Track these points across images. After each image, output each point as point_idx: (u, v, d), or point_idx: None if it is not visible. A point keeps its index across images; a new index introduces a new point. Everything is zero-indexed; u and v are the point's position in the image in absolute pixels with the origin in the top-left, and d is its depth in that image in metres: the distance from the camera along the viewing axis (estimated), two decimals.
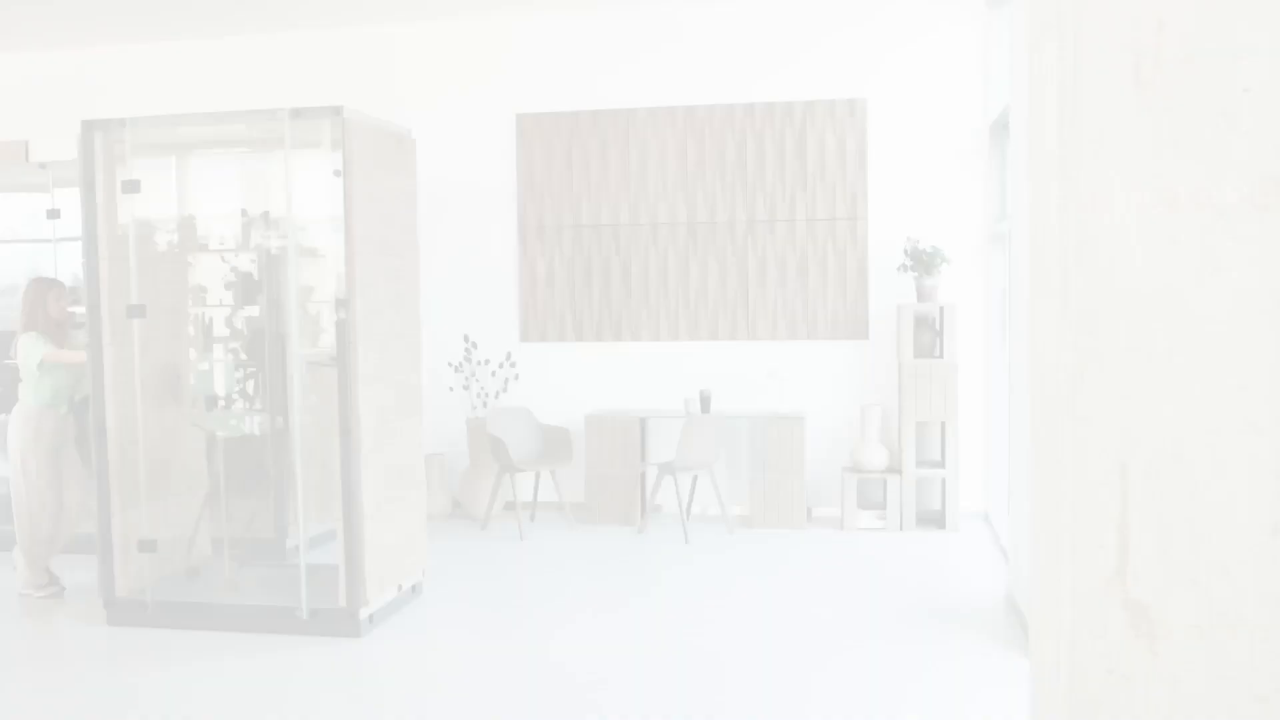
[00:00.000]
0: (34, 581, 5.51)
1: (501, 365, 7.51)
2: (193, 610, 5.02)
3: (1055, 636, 2.09)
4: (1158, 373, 2.02)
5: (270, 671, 4.44)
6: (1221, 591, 2.02)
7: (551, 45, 7.41)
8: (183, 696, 4.20)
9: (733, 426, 7.22)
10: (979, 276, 6.94)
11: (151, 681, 4.35)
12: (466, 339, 7.55)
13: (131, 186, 4.98)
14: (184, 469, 5.45)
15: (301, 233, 4.99)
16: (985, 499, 6.98)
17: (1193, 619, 2.03)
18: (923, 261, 6.62)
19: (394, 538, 5.05)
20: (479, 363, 7.58)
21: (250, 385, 6.21)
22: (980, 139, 6.92)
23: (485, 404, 7.44)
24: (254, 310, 5.91)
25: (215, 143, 5.73)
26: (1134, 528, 2.04)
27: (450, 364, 7.59)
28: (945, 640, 4.71)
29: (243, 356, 5.81)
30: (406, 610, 5.22)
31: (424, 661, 4.58)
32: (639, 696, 4.14)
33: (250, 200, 5.87)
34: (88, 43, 7.96)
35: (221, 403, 5.79)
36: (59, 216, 6.60)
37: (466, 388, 7.52)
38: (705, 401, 6.94)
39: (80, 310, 6.68)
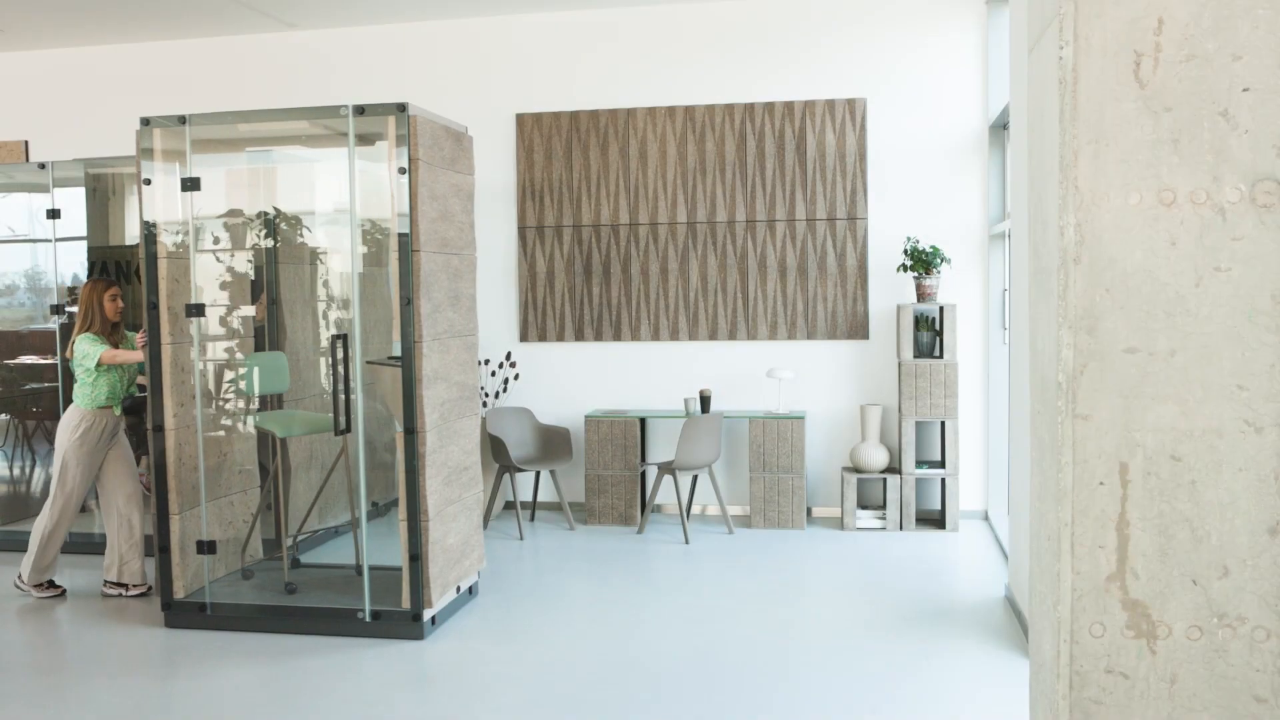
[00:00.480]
0: (37, 579, 5.51)
1: (501, 365, 7.51)
2: (252, 613, 4.96)
3: (1055, 636, 2.09)
4: (1158, 373, 2.02)
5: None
6: (1221, 591, 2.02)
7: (551, 45, 7.41)
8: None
9: (733, 426, 7.22)
10: (979, 276, 6.95)
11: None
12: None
13: (191, 184, 4.92)
14: (236, 469, 5.40)
15: (360, 230, 4.94)
16: (985, 499, 6.99)
17: (1193, 619, 2.03)
18: (923, 261, 6.62)
19: (454, 539, 4.99)
20: (479, 362, 7.59)
21: (314, 385, 6.17)
22: (980, 139, 6.92)
23: (485, 404, 7.44)
24: (319, 309, 5.85)
25: (270, 139, 5.66)
26: (1134, 528, 2.04)
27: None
28: (945, 640, 4.71)
29: (312, 357, 5.78)
30: (464, 612, 5.16)
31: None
32: (641, 697, 4.15)
33: (303, 197, 5.82)
34: (89, 42, 7.96)
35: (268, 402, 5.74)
36: (59, 216, 6.60)
37: None
38: (705, 401, 6.94)
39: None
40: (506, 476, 7.30)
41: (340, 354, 4.79)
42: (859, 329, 7.06)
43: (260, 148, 5.88)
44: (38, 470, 7.29)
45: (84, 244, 7.03)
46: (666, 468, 6.57)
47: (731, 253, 7.19)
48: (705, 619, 5.08)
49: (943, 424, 6.80)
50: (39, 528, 5.48)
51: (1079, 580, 2.04)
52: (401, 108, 4.58)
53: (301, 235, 5.57)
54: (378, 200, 4.85)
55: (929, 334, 6.71)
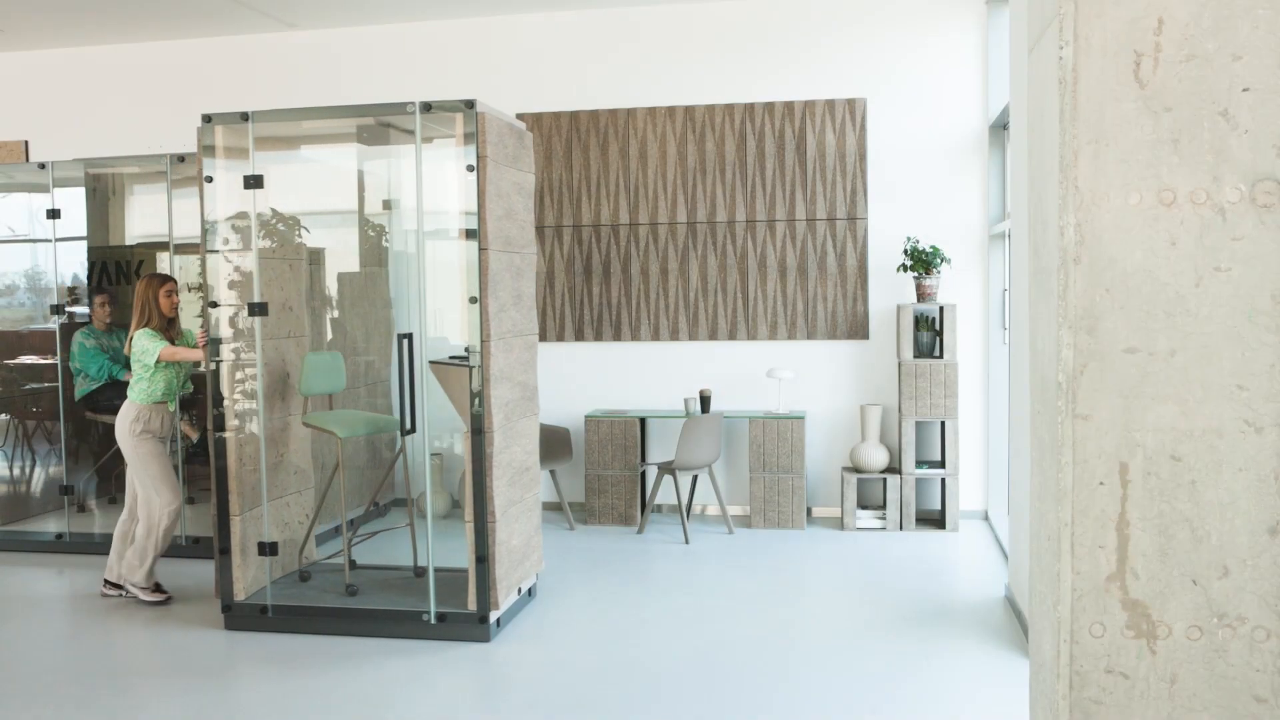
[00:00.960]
0: (146, 584, 5.40)
1: None
2: (314, 615, 4.89)
3: (1055, 636, 2.09)
4: (1158, 373, 2.02)
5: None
6: (1221, 591, 2.02)
7: (552, 45, 7.41)
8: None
9: (732, 426, 7.22)
10: (979, 276, 6.95)
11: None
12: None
13: (254, 182, 4.86)
14: (293, 470, 5.35)
15: (428, 228, 4.90)
16: (985, 499, 6.99)
17: (1193, 619, 2.03)
18: (923, 261, 6.62)
19: (518, 540, 4.93)
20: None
21: (375, 386, 6.14)
22: (980, 139, 6.92)
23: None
24: (377, 308, 5.81)
25: (329, 136, 5.62)
26: (1134, 528, 2.04)
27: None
28: (945, 640, 4.71)
29: (370, 357, 5.74)
30: (525, 613, 5.12)
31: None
32: (641, 697, 4.15)
33: (365, 195, 5.78)
34: (89, 42, 7.96)
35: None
36: (59, 216, 6.60)
37: None
38: (705, 401, 6.94)
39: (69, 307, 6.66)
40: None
41: (406, 354, 4.70)
42: (859, 329, 7.06)
43: (309, 146, 5.81)
44: (38, 470, 7.30)
45: (84, 244, 7.03)
46: (666, 468, 6.57)
47: (731, 253, 7.19)
48: (704, 619, 5.07)
49: (943, 424, 6.80)
50: (149, 534, 5.36)
51: (1079, 580, 2.04)
52: (470, 104, 4.51)
53: (300, 235, 5.56)
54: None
55: (929, 334, 6.71)
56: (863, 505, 6.99)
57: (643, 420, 7.10)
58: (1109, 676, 2.04)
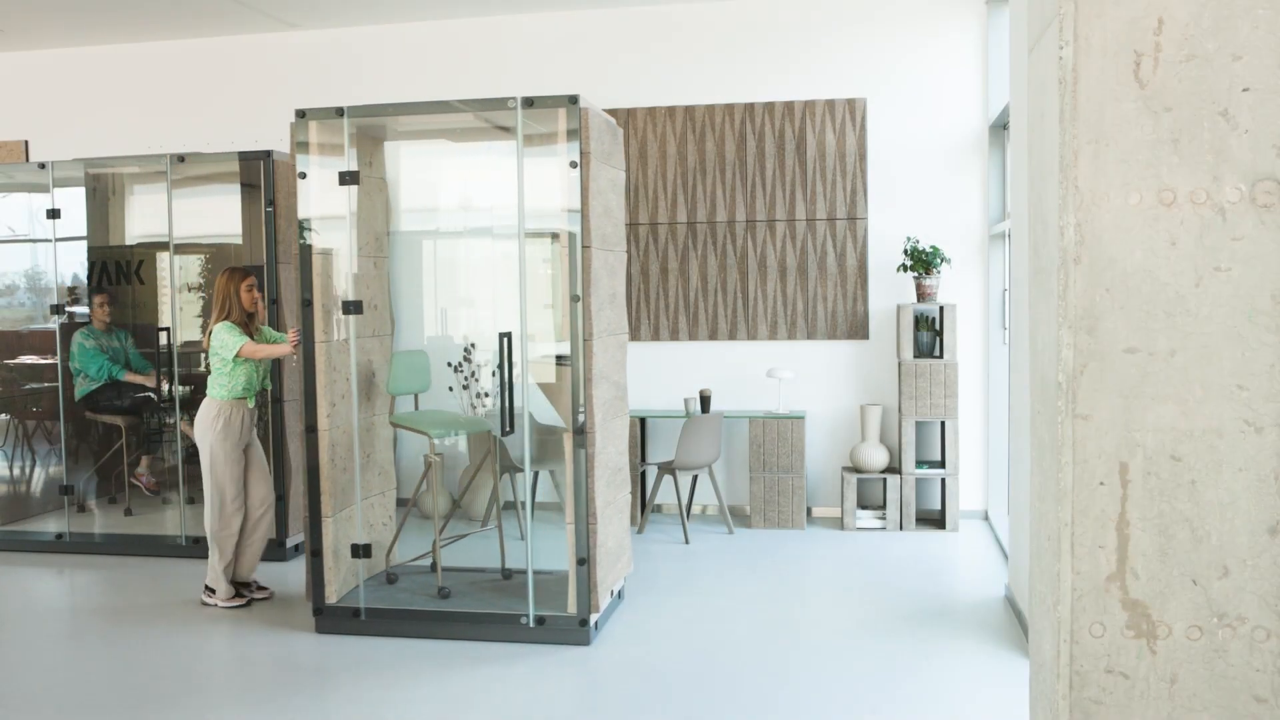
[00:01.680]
0: (224, 592, 5.32)
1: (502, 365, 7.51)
2: (408, 618, 4.79)
3: (1055, 636, 2.09)
4: (1158, 373, 2.02)
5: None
6: (1221, 591, 2.02)
7: (552, 45, 7.41)
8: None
9: (732, 426, 7.22)
10: (979, 276, 6.94)
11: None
12: (465, 338, 7.55)
13: (350, 178, 4.75)
14: (377, 470, 5.24)
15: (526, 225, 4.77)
16: (985, 499, 6.99)
17: (1193, 619, 2.03)
18: (923, 261, 6.62)
19: (613, 541, 4.84)
20: (479, 364, 7.58)
21: (472, 386, 6.08)
22: (980, 139, 6.92)
23: (485, 404, 7.44)
24: (471, 306, 5.72)
25: (420, 132, 5.45)
26: (1134, 527, 2.04)
27: (450, 364, 7.59)
28: (945, 640, 4.71)
29: (466, 358, 5.66)
30: (618, 616, 5.05)
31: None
32: (646, 697, 4.15)
33: (458, 192, 5.69)
34: (89, 42, 7.96)
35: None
36: (59, 216, 6.60)
37: (466, 388, 7.52)
38: (705, 401, 6.94)
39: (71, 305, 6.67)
40: (506, 477, 7.29)
41: (506, 352, 4.60)
42: (859, 329, 7.06)
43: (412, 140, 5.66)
44: (38, 470, 7.30)
45: (84, 244, 7.03)
46: (666, 467, 6.57)
47: (731, 253, 7.19)
48: (705, 619, 5.07)
49: (943, 424, 6.80)
50: (211, 539, 5.29)
51: (1079, 580, 2.04)
52: (573, 100, 4.44)
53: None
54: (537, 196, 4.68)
55: (929, 334, 6.71)
56: (863, 505, 6.99)
57: (643, 420, 7.10)
58: (1109, 676, 2.04)
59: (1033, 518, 2.35)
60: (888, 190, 7.04)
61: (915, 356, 6.69)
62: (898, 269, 6.83)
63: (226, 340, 5.13)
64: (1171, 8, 1.96)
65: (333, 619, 4.85)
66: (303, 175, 4.75)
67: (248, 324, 5.26)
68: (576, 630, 4.63)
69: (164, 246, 6.59)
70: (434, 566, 5.20)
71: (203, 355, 7.18)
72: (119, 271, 7.07)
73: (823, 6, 7.07)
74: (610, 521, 4.78)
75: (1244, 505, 1.99)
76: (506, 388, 4.66)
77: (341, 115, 4.71)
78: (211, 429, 5.18)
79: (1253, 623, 1.99)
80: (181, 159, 6.33)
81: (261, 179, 6.09)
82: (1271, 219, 1.95)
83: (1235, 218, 1.97)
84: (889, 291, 7.03)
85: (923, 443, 6.95)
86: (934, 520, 6.89)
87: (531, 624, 4.65)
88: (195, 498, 6.90)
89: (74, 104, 8.07)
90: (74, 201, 6.92)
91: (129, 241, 7.19)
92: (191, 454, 6.71)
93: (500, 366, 4.66)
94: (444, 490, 5.69)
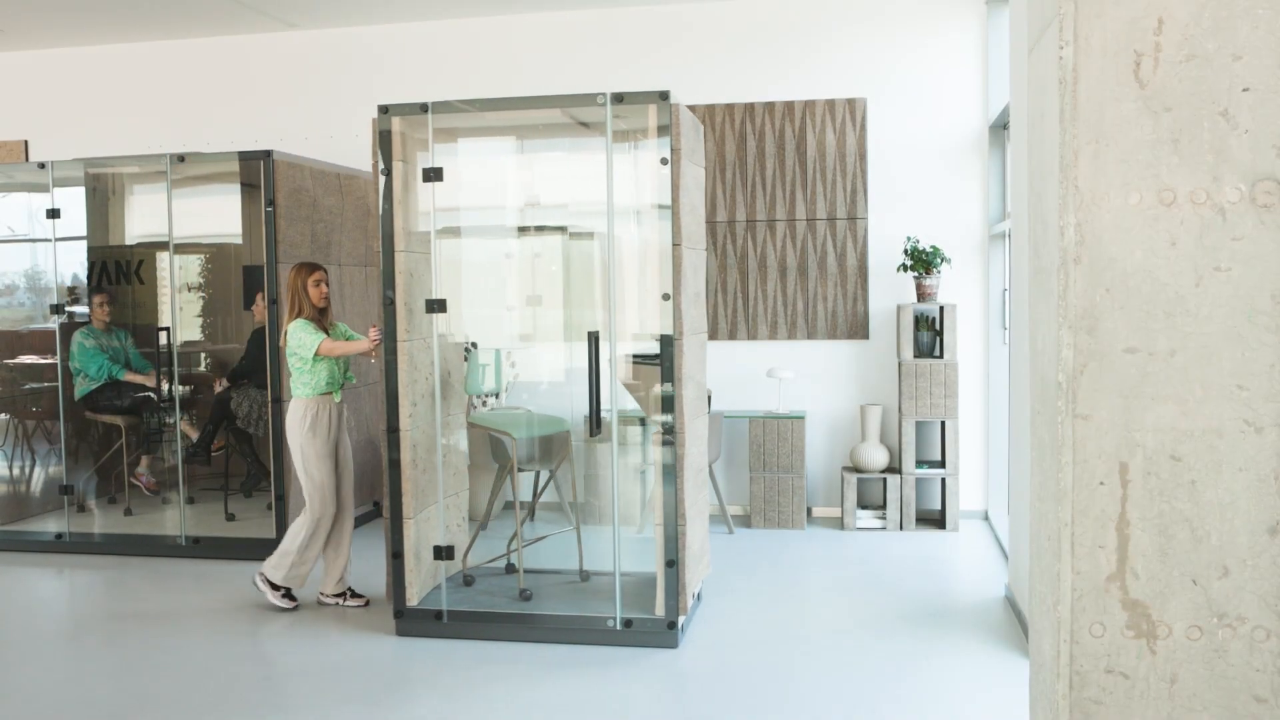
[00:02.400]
0: (290, 584, 5.18)
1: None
2: (491, 621, 4.73)
3: (1055, 636, 2.09)
4: (1158, 373, 2.01)
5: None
6: (1221, 591, 2.02)
7: (552, 45, 7.41)
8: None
9: (733, 426, 7.22)
10: (979, 276, 6.95)
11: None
12: (466, 338, 7.55)
13: (434, 174, 4.65)
14: (452, 471, 5.14)
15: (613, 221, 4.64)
16: (985, 499, 6.99)
17: (1193, 619, 2.03)
18: (923, 261, 6.62)
19: (696, 543, 4.80)
20: (480, 364, 7.58)
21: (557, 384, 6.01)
22: (980, 139, 6.92)
23: (486, 404, 7.44)
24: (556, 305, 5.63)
25: (503, 128, 5.34)
26: (1134, 527, 2.04)
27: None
28: (945, 639, 4.71)
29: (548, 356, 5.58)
30: (699, 618, 5.00)
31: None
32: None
33: (536, 189, 5.61)
34: (89, 42, 7.96)
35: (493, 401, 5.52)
36: (59, 216, 6.60)
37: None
38: (705, 401, 6.93)
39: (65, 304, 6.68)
40: (506, 477, 7.29)
41: (594, 352, 4.53)
42: (859, 329, 7.06)
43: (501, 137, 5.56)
44: (38, 470, 7.30)
45: (84, 244, 7.04)
46: None
47: (731, 252, 7.19)
48: (703, 619, 5.07)
49: (943, 424, 6.80)
50: (295, 535, 5.14)
51: (1079, 580, 2.04)
52: (664, 95, 4.38)
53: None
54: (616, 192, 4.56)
55: (929, 334, 6.71)
56: (863, 505, 6.99)
57: (642, 420, 7.09)
58: (1109, 676, 2.04)
59: (1033, 518, 2.35)
60: (888, 190, 7.04)
61: (915, 356, 6.69)
62: (898, 269, 6.83)
63: (304, 339, 5.02)
64: (1171, 8, 1.96)
65: (414, 621, 4.76)
66: (385, 171, 4.65)
67: (320, 319, 5.14)
68: (664, 633, 4.56)
69: (164, 246, 6.59)
70: (508, 568, 5.15)
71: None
72: (119, 271, 7.07)
73: (823, 7, 7.07)
74: (694, 522, 4.73)
75: (1244, 505, 1.99)
76: (594, 388, 4.55)
77: (426, 111, 4.61)
78: (300, 428, 5.07)
79: (1253, 623, 1.99)
80: (181, 159, 6.33)
81: (261, 179, 6.09)
82: (1271, 219, 1.95)
83: (1235, 218, 1.97)
84: (889, 291, 7.03)
85: (923, 443, 6.95)
86: (934, 520, 6.89)
87: (618, 626, 4.59)
88: (195, 498, 6.91)
89: (74, 104, 8.07)
90: (74, 201, 6.92)
91: (129, 241, 7.20)
92: (192, 454, 6.72)
93: (589, 366, 4.56)
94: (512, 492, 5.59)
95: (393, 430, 4.70)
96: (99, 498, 7.12)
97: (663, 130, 4.44)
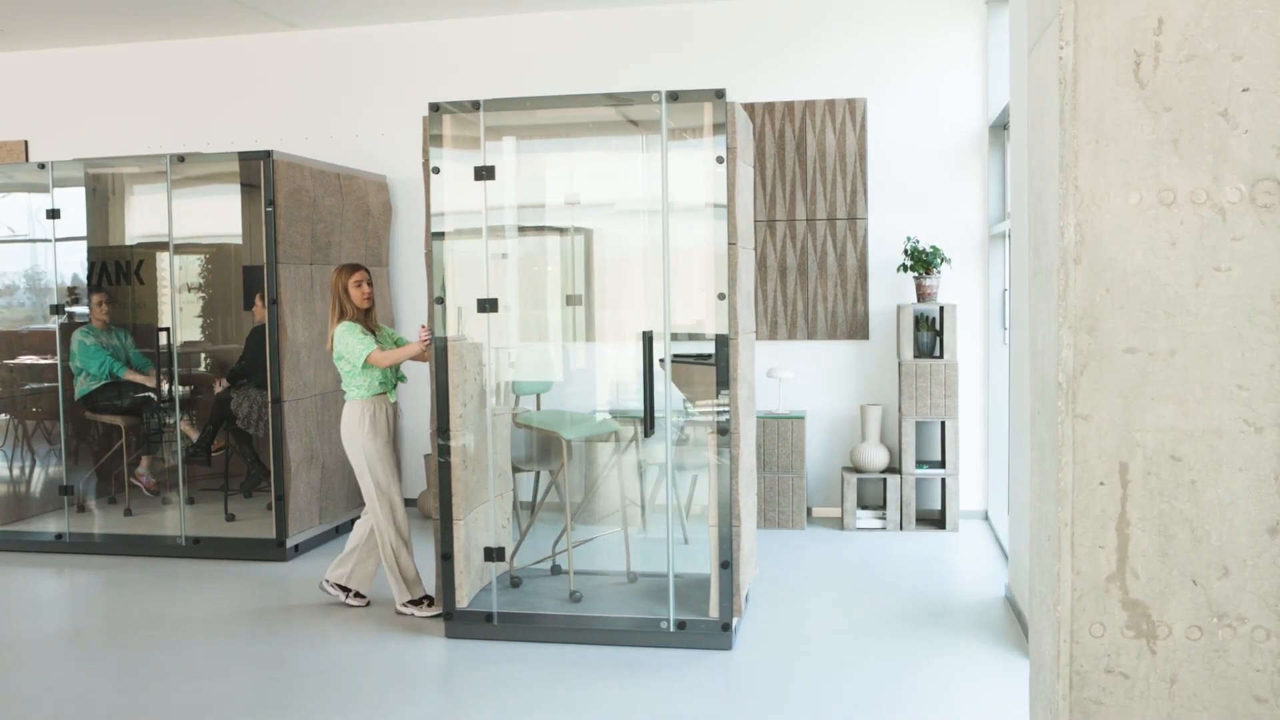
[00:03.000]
0: (413, 593, 5.08)
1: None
2: (541, 623, 4.69)
3: (1055, 636, 2.09)
4: (1158, 373, 2.01)
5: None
6: (1221, 591, 2.02)
7: (552, 45, 7.41)
8: None
9: None
10: (979, 276, 6.94)
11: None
12: (466, 339, 7.55)
13: (485, 173, 4.59)
14: (497, 472, 5.08)
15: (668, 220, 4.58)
16: (985, 499, 6.99)
17: (1193, 619, 2.03)
18: (923, 261, 6.62)
19: (747, 545, 4.78)
20: (479, 364, 7.58)
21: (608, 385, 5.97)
22: (980, 139, 6.92)
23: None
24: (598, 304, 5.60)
25: (540, 128, 5.29)
26: (1134, 527, 2.04)
27: None
28: (945, 640, 4.71)
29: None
30: (749, 619, 4.97)
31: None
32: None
33: (585, 187, 5.56)
34: (89, 42, 7.96)
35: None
36: (59, 216, 6.60)
37: None
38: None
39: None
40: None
41: (647, 351, 4.50)
42: (859, 329, 7.06)
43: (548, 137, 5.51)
44: (38, 470, 7.30)
45: (84, 244, 7.04)
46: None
47: None
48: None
49: (943, 424, 6.80)
50: (385, 551, 5.03)
51: (1079, 580, 2.04)
52: (719, 94, 4.36)
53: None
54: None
55: (929, 334, 6.71)
56: (863, 505, 6.99)
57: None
58: (1109, 676, 2.04)
59: (1033, 518, 2.35)
60: (888, 190, 7.04)
61: (915, 356, 6.69)
62: (898, 269, 6.83)
63: (352, 345, 4.93)
64: (1171, 8, 1.96)
65: (464, 624, 4.71)
66: (435, 170, 4.59)
67: (365, 321, 5.06)
68: (718, 634, 4.52)
69: (164, 246, 6.59)
70: (553, 569, 5.10)
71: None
72: (119, 271, 7.07)
73: (823, 7, 7.07)
74: (745, 523, 4.70)
75: (1244, 505, 1.99)
76: (648, 388, 4.50)
77: (477, 109, 4.56)
78: (360, 431, 4.98)
79: (1253, 623, 1.99)
80: (181, 159, 6.33)
81: (261, 179, 6.09)
82: (1271, 219, 1.95)
83: (1235, 218, 1.96)
84: (889, 291, 7.03)
85: (923, 443, 6.95)
86: (934, 520, 6.89)
87: (672, 628, 4.55)
88: (195, 498, 6.91)
89: (74, 104, 8.07)
90: (74, 201, 6.92)
91: (129, 241, 7.20)
92: (192, 454, 6.72)
93: (644, 366, 4.52)
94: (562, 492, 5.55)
95: (443, 431, 4.64)
96: (99, 498, 7.12)
97: (718, 128, 4.39)
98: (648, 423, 4.57)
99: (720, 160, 4.38)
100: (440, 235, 4.63)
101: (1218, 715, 2.01)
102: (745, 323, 4.69)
